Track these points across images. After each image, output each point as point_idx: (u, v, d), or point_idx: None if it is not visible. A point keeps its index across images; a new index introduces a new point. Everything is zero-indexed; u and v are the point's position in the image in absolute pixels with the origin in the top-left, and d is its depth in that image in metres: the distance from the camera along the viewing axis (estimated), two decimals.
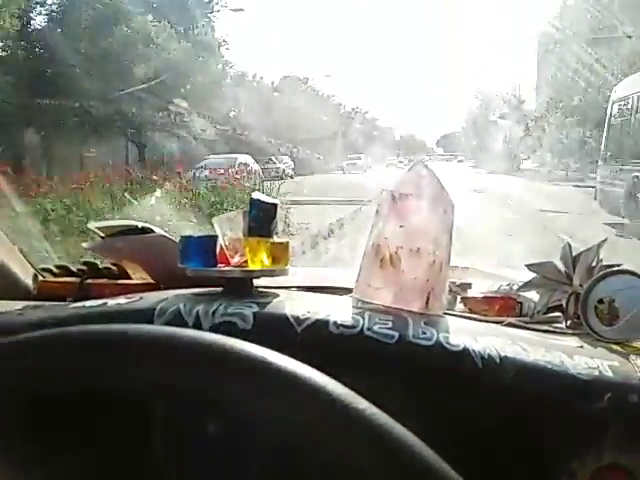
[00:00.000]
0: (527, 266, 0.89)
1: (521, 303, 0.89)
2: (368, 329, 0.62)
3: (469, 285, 0.93)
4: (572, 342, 0.71)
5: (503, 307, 0.88)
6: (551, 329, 0.79)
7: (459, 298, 0.91)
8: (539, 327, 0.79)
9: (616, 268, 0.81)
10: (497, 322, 0.79)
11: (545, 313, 0.86)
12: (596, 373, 0.61)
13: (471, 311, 0.87)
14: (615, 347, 0.70)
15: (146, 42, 15.49)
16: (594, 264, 0.84)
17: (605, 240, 0.87)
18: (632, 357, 0.67)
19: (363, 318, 0.64)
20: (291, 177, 19.43)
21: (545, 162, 20.91)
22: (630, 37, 14.27)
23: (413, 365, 0.60)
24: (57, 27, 14.86)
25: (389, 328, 0.62)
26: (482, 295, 0.91)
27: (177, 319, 0.63)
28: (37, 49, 14.18)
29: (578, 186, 14.70)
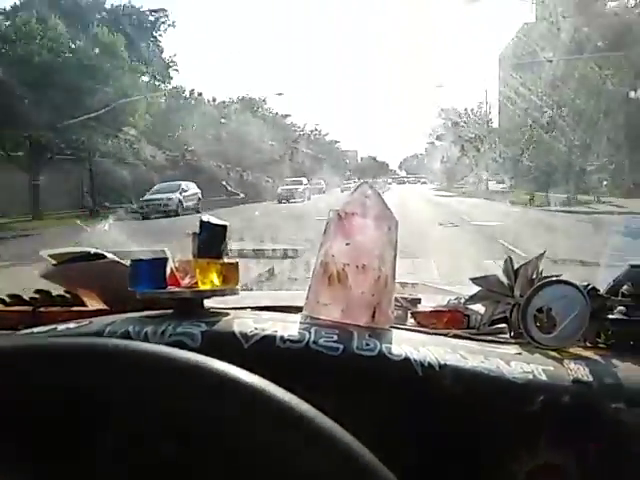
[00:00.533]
0: (472, 280, 0.93)
1: (468, 316, 0.93)
2: (314, 342, 0.64)
3: (418, 300, 0.97)
4: (511, 350, 0.74)
5: (451, 320, 0.91)
6: (495, 339, 0.83)
7: (409, 313, 0.94)
8: (484, 338, 0.83)
9: (553, 279, 0.85)
10: (443, 334, 0.82)
11: (491, 325, 0.90)
12: (530, 377, 0.65)
13: (420, 325, 0.90)
14: (552, 353, 0.74)
15: (93, 71, 15.44)
16: (534, 276, 0.88)
17: (544, 252, 0.91)
18: (566, 361, 0.70)
19: (309, 332, 0.66)
20: (197, 211, 15.60)
21: (514, 184, 20.44)
22: (550, 61, 14.72)
23: (357, 375, 0.63)
24: (5, 57, 14.71)
25: (334, 341, 0.65)
26: (431, 309, 0.94)
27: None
28: None
29: (568, 212, 11.83)
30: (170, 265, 0.74)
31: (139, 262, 0.72)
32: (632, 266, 0.87)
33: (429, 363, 0.63)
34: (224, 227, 0.77)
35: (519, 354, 0.71)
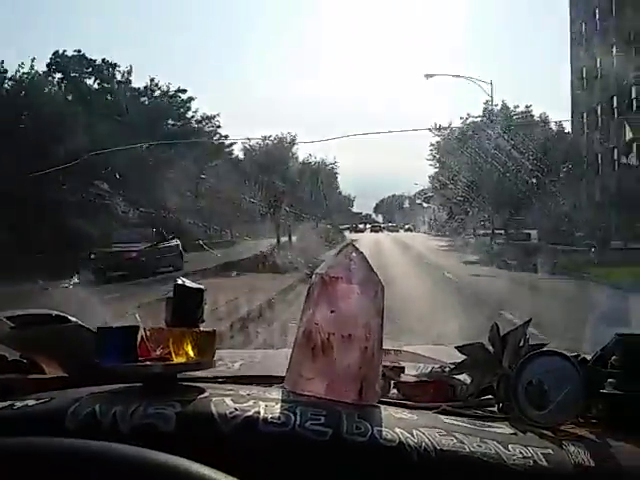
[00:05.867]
0: (457, 348, 0.89)
1: (453, 386, 0.89)
2: (299, 426, 0.59)
3: (402, 369, 0.92)
4: (505, 429, 0.70)
5: (436, 391, 0.87)
6: (484, 414, 0.79)
7: (392, 383, 0.89)
8: (473, 413, 0.78)
9: (543, 349, 0.82)
10: (431, 408, 0.77)
11: (477, 396, 0.86)
12: (531, 463, 0.60)
13: (405, 397, 0.85)
14: (547, 433, 0.70)
15: (65, 121, 15.20)
16: (521, 344, 0.85)
17: (530, 320, 0.89)
18: (565, 443, 0.66)
19: (294, 414, 0.61)
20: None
21: None
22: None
23: (348, 462, 0.57)
24: None
25: (321, 424, 0.60)
26: (415, 380, 0.90)
27: (91, 422, 0.57)
28: None
29: None
30: (141, 333, 0.68)
31: (107, 330, 0.66)
32: (619, 335, 0.85)
33: (425, 449, 0.58)
34: (201, 291, 0.72)
35: (514, 434, 0.67)
